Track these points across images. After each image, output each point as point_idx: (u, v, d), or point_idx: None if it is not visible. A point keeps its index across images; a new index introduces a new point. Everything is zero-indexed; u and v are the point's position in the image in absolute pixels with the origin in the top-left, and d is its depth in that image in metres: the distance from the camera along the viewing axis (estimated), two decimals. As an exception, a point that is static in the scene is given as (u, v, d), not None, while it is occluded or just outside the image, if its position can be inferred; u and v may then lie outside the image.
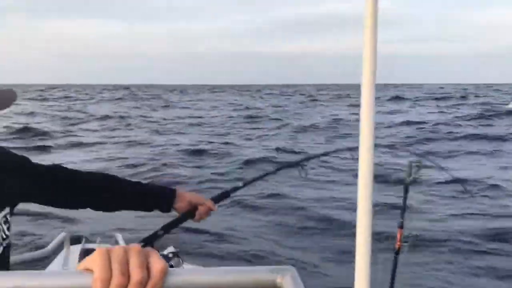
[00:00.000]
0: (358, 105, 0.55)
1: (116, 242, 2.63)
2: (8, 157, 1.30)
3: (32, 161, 1.37)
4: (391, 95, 38.20)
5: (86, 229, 4.63)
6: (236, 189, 1.69)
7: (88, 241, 2.90)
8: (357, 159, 0.56)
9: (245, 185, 1.71)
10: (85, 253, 2.61)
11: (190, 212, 1.54)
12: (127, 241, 2.58)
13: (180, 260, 1.63)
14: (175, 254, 1.64)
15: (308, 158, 1.97)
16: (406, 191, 2.07)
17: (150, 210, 1.55)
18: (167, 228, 1.57)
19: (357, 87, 0.57)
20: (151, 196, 1.53)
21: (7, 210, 1.23)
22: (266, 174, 1.80)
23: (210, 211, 1.56)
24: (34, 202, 1.37)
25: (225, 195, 1.66)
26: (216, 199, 1.61)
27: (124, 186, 1.53)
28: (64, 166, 1.47)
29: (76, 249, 2.57)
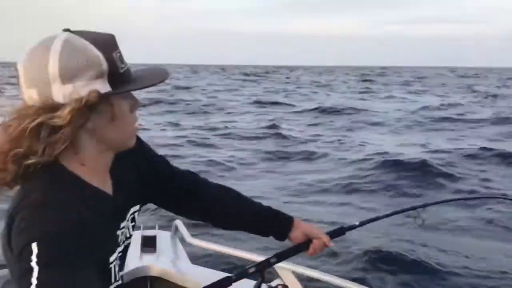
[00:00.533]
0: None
1: (176, 229, 2.71)
2: (150, 153, 1.37)
3: (169, 163, 1.44)
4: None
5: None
6: (351, 227, 1.70)
7: (146, 227, 3.04)
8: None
9: (361, 224, 1.72)
10: (145, 239, 2.77)
11: (305, 244, 1.55)
12: (187, 226, 2.67)
13: None
14: (284, 287, 1.67)
15: (426, 205, 1.93)
16: None
17: (266, 235, 1.57)
18: (280, 257, 1.58)
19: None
20: (271, 220, 1.52)
21: (137, 207, 1.30)
22: (384, 216, 1.80)
23: (325, 246, 1.56)
24: (158, 204, 1.45)
25: (340, 231, 1.67)
26: (332, 235, 1.62)
27: (248, 205, 1.53)
28: (196, 173, 1.53)
29: (136, 235, 2.68)
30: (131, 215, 1.26)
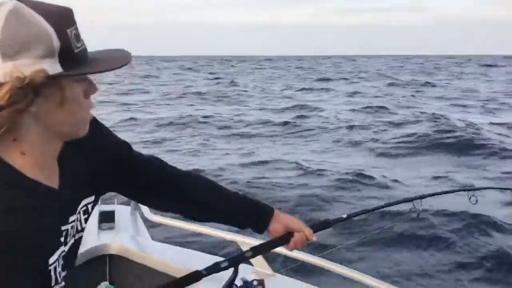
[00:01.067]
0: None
1: (136, 204, 2.60)
2: (109, 140, 1.23)
3: (132, 148, 1.31)
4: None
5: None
6: (338, 220, 1.57)
7: (104, 202, 2.92)
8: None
9: (348, 217, 1.58)
10: (103, 215, 2.64)
11: (285, 238, 1.42)
12: None
13: None
14: (260, 282, 1.55)
15: (423, 196, 1.79)
16: None
17: (243, 227, 1.44)
18: (257, 251, 1.45)
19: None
20: (249, 211, 1.41)
21: (91, 198, 1.17)
22: (374, 208, 1.65)
23: (307, 240, 1.43)
24: (121, 194, 1.31)
25: (326, 224, 1.53)
26: (316, 228, 1.48)
27: (223, 194, 1.41)
28: (163, 160, 1.39)
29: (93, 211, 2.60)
30: (83, 207, 1.13)
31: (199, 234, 2.20)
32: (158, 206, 1.42)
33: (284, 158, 9.99)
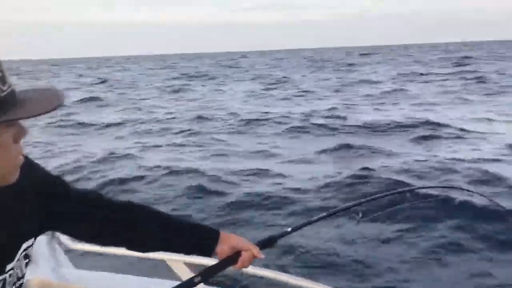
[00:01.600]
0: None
1: (54, 232, 2.44)
2: (43, 179, 1.20)
3: (68, 184, 1.28)
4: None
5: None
6: (284, 234, 1.58)
7: None
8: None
9: (293, 230, 1.59)
10: None
11: (233, 258, 1.43)
12: None
13: None
14: None
15: (361, 202, 1.84)
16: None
17: (189, 252, 1.46)
18: (205, 275, 1.44)
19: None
20: (194, 236, 1.41)
21: (30, 241, 1.13)
22: (318, 219, 1.68)
23: (254, 258, 1.45)
24: (62, 232, 1.30)
25: (272, 240, 1.54)
26: (262, 245, 1.50)
27: (165, 222, 1.40)
28: (102, 194, 1.37)
29: None
30: (23, 252, 1.09)
31: (129, 257, 2.14)
32: (101, 241, 1.40)
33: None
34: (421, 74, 32.25)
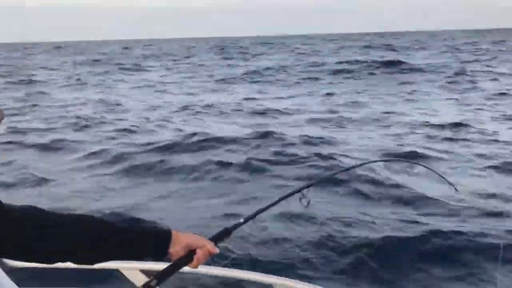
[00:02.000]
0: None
1: None
2: None
3: (4, 203, 1.21)
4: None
5: None
6: (237, 226, 1.57)
7: None
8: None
9: (246, 220, 1.59)
10: None
11: (187, 257, 1.40)
12: None
13: None
14: None
15: (310, 185, 1.86)
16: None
17: (143, 257, 1.41)
18: (161, 277, 1.41)
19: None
20: (146, 240, 1.36)
21: None
22: (268, 206, 1.69)
23: (210, 254, 1.43)
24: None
25: (225, 233, 1.53)
26: (216, 239, 1.49)
27: (112, 230, 1.34)
28: (41, 208, 1.29)
29: None
30: None
31: (81, 269, 2.07)
32: (43, 259, 1.32)
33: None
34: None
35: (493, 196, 6.82)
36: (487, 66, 28.03)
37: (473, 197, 6.68)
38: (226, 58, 44.51)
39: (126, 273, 2.20)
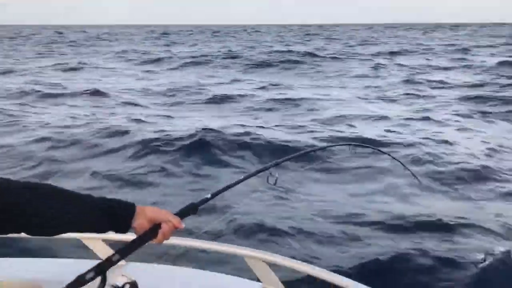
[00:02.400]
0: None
1: None
2: None
3: None
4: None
5: None
6: (204, 201, 1.54)
7: None
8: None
9: (213, 196, 1.57)
10: None
11: (152, 232, 1.37)
12: None
13: None
14: (132, 285, 1.45)
15: (278, 162, 1.86)
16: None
17: (104, 230, 1.35)
18: (124, 253, 1.35)
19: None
20: (107, 212, 1.31)
21: None
22: (236, 183, 1.68)
23: (175, 229, 1.40)
24: None
25: (192, 208, 1.49)
26: (182, 214, 1.45)
27: (72, 200, 1.28)
28: None
29: None
30: None
31: (40, 239, 2.04)
32: None
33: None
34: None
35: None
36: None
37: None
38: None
39: (87, 242, 2.16)
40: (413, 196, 6.34)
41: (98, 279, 1.28)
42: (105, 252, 2.13)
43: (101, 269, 1.28)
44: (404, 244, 4.92)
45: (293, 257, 2.07)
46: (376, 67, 24.05)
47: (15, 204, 1.20)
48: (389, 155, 2.82)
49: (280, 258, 1.97)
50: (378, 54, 32.36)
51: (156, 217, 1.38)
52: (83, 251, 2.24)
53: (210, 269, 2.31)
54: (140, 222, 1.36)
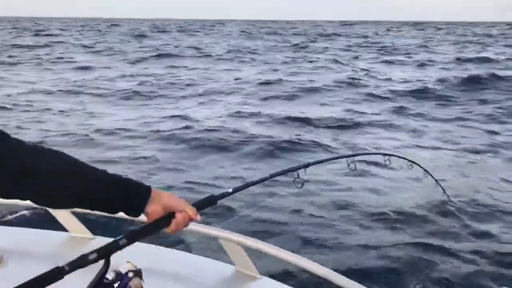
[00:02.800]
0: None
1: None
2: None
3: None
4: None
5: None
6: (224, 195, 1.46)
7: None
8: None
9: (234, 191, 1.49)
10: None
11: (165, 219, 1.28)
12: None
13: (142, 282, 1.37)
14: (136, 274, 1.39)
15: (308, 165, 1.78)
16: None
17: (114, 211, 1.26)
18: (132, 237, 1.25)
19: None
20: (120, 192, 1.23)
21: None
22: (261, 180, 1.59)
23: (190, 220, 1.31)
24: None
25: (211, 201, 1.41)
26: (200, 206, 1.37)
27: (86, 173, 1.20)
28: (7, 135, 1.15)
29: None
30: None
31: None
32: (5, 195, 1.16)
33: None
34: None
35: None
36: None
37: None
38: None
39: (56, 214, 2.05)
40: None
41: (101, 262, 1.21)
42: (73, 225, 2.03)
43: (105, 252, 1.21)
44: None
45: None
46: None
47: (24, 166, 1.13)
48: (420, 167, 2.70)
49: (255, 242, 1.93)
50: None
51: (172, 205, 1.30)
52: (52, 223, 2.14)
53: (183, 249, 2.28)
54: (154, 207, 1.27)
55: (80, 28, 72.29)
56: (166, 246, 2.29)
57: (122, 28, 73.89)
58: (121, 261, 1.39)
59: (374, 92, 15.95)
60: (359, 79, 18.74)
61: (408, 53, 32.04)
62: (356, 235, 5.32)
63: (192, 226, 1.94)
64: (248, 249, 1.94)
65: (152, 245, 2.20)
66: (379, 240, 5.22)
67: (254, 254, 2.00)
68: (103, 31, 62.69)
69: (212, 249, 2.94)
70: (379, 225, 5.62)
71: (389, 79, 19.37)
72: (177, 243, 2.39)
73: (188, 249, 2.37)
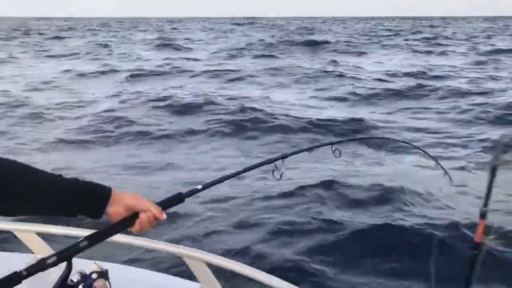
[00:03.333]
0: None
1: None
2: None
3: None
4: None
5: None
6: (192, 192, 1.38)
7: None
8: None
9: (204, 187, 1.40)
10: None
11: (128, 220, 1.24)
12: None
13: (108, 283, 1.37)
14: (101, 275, 1.35)
15: (285, 156, 1.68)
16: (493, 174, 1.84)
17: (73, 214, 1.23)
18: (94, 239, 1.23)
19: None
20: (80, 195, 1.20)
21: None
22: (233, 175, 1.49)
23: (155, 220, 1.26)
24: None
25: (177, 199, 1.35)
26: (165, 205, 1.31)
27: (44, 180, 1.19)
28: None
29: None
30: None
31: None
32: None
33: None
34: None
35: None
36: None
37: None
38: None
39: (20, 235, 2.06)
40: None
41: (63, 265, 1.20)
42: (37, 245, 2.04)
43: (65, 255, 1.19)
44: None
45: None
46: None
47: None
48: (419, 148, 2.61)
49: (219, 259, 1.93)
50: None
51: (135, 205, 1.26)
52: (14, 244, 2.09)
53: (148, 268, 2.28)
54: (115, 208, 1.24)
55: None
56: (130, 265, 2.29)
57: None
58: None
59: None
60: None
61: None
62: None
63: (155, 244, 1.97)
64: (212, 266, 1.93)
65: (117, 264, 2.20)
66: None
67: (219, 271, 1.97)
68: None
69: (176, 266, 2.91)
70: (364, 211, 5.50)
71: None
72: (142, 261, 2.35)
73: (152, 267, 2.31)
